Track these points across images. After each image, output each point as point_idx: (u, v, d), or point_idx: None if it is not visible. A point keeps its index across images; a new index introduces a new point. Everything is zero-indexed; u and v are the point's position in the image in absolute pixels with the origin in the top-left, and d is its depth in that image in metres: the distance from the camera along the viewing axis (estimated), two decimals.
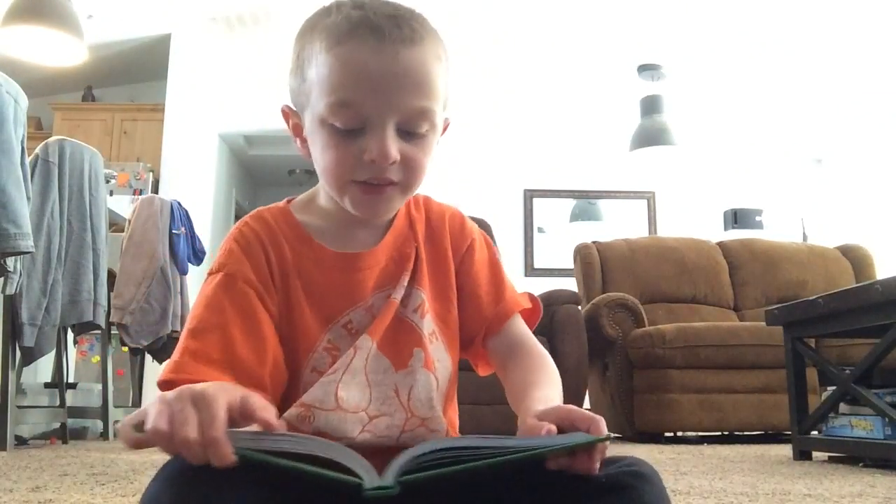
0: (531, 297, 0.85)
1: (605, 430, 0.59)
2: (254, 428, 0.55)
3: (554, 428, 0.58)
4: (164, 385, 0.66)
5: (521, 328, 0.83)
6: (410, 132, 0.70)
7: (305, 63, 0.71)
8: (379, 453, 0.71)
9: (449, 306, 0.81)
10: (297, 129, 0.76)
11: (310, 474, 0.51)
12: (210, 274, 0.75)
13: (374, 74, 0.67)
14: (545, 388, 0.73)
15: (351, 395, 0.71)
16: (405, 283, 0.77)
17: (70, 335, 3.32)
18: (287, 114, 0.78)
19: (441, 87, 0.71)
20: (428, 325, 0.77)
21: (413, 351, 0.76)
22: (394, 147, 0.68)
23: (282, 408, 0.72)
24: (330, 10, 0.71)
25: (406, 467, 0.52)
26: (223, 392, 0.54)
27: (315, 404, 0.70)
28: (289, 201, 0.83)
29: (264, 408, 0.55)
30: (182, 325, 3.21)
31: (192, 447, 0.50)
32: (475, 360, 0.85)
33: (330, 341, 0.74)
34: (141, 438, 0.52)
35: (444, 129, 0.77)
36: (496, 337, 0.81)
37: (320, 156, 0.71)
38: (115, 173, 5.32)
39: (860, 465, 2.20)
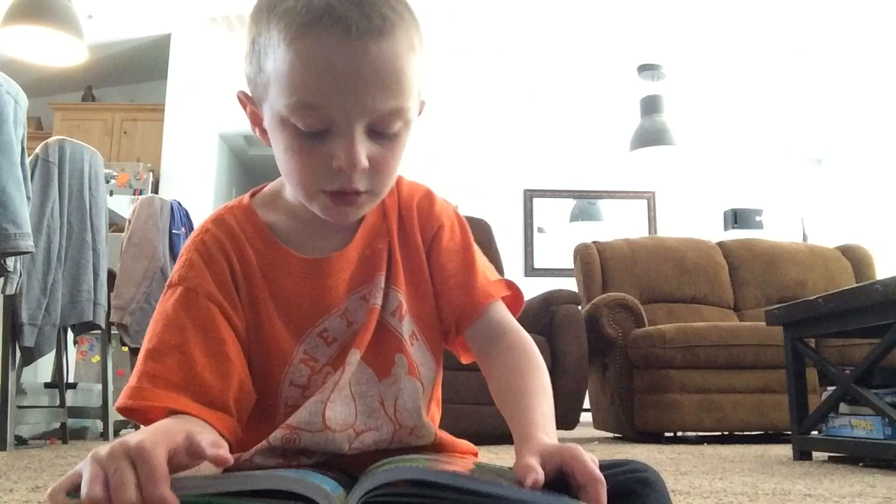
0: (508, 283, 0.78)
1: (602, 499, 0.52)
2: (206, 465, 0.51)
3: (541, 478, 0.52)
4: (123, 411, 0.64)
5: (500, 315, 0.76)
6: (381, 133, 0.64)
7: (262, 52, 0.64)
8: (369, 453, 0.69)
9: (425, 301, 0.76)
10: (256, 118, 0.70)
11: None
12: (170, 286, 0.70)
13: (339, 73, 0.60)
14: (541, 400, 0.67)
15: (337, 413, 0.68)
16: (381, 285, 0.73)
17: (70, 335, 3.32)
18: (244, 101, 0.71)
19: (415, 80, 0.65)
20: (407, 326, 0.73)
21: (395, 358, 0.72)
22: (363, 152, 0.63)
23: (254, 427, 0.69)
24: None
25: (369, 497, 0.50)
26: (162, 439, 0.50)
27: (301, 426, 0.67)
28: (253, 194, 0.77)
29: (214, 444, 0.51)
30: None
31: None
32: (454, 348, 0.80)
33: (306, 352, 0.71)
34: None
35: (420, 111, 0.71)
36: (471, 325, 0.75)
37: (283, 158, 0.66)
38: (115, 173, 5.32)
39: (860, 465, 2.20)
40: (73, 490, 0.48)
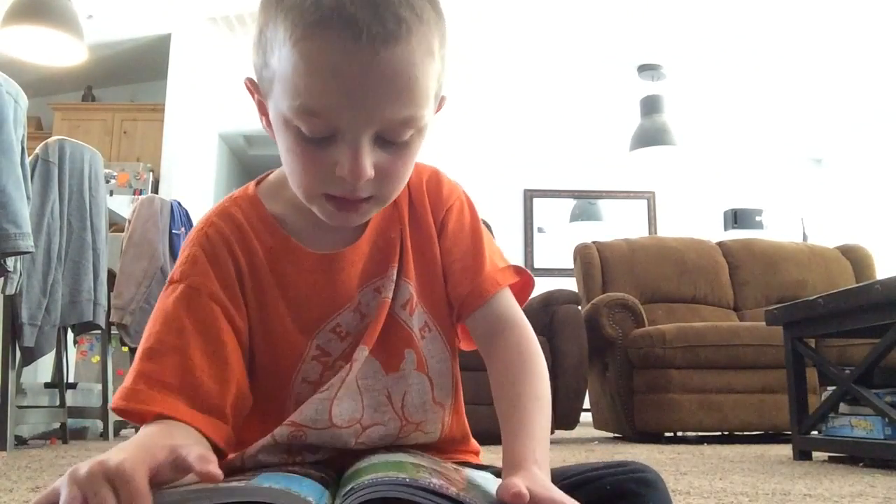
0: (517, 269, 0.74)
1: None
2: (190, 476, 0.50)
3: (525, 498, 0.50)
4: (118, 412, 0.62)
5: (504, 306, 0.72)
6: (391, 141, 0.60)
7: (268, 46, 0.60)
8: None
9: (438, 287, 0.73)
10: (263, 108, 0.65)
11: None
12: (171, 283, 0.67)
13: (345, 81, 0.55)
14: (534, 414, 0.64)
15: (343, 410, 0.66)
16: (394, 277, 0.70)
17: (70, 335, 3.32)
18: (251, 89, 0.66)
19: (432, 85, 0.60)
20: (418, 319, 0.71)
21: (404, 353, 0.70)
22: (368, 162, 0.59)
23: (260, 424, 0.67)
24: None
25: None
26: (143, 458, 0.48)
27: (307, 424, 0.65)
28: (259, 182, 0.73)
29: (202, 458, 0.49)
30: None
31: None
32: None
33: (318, 347, 0.68)
34: None
35: (440, 108, 0.67)
36: (473, 314, 0.71)
37: (285, 157, 0.62)
38: (115, 173, 5.32)
39: (860, 465, 2.20)
40: None
